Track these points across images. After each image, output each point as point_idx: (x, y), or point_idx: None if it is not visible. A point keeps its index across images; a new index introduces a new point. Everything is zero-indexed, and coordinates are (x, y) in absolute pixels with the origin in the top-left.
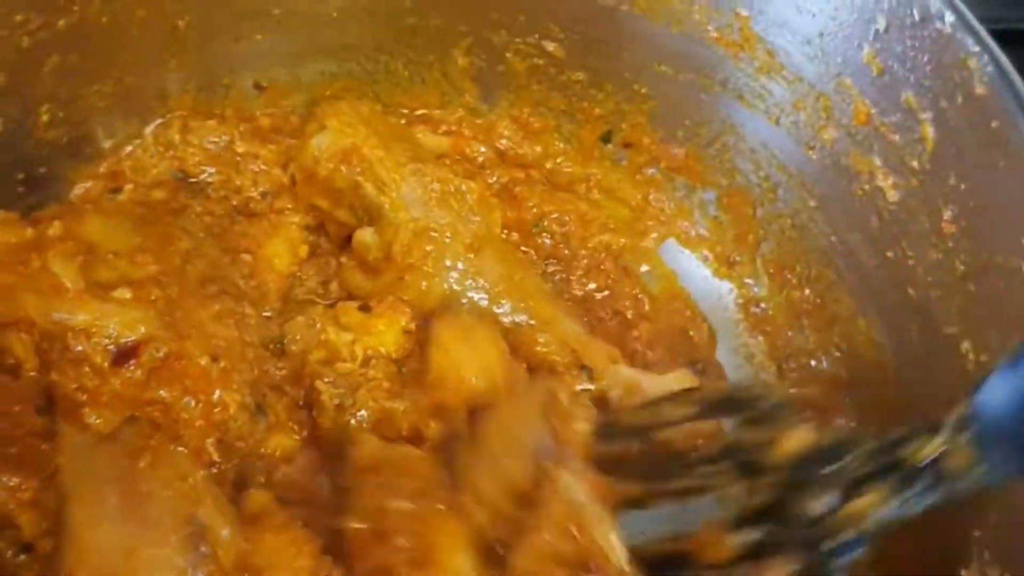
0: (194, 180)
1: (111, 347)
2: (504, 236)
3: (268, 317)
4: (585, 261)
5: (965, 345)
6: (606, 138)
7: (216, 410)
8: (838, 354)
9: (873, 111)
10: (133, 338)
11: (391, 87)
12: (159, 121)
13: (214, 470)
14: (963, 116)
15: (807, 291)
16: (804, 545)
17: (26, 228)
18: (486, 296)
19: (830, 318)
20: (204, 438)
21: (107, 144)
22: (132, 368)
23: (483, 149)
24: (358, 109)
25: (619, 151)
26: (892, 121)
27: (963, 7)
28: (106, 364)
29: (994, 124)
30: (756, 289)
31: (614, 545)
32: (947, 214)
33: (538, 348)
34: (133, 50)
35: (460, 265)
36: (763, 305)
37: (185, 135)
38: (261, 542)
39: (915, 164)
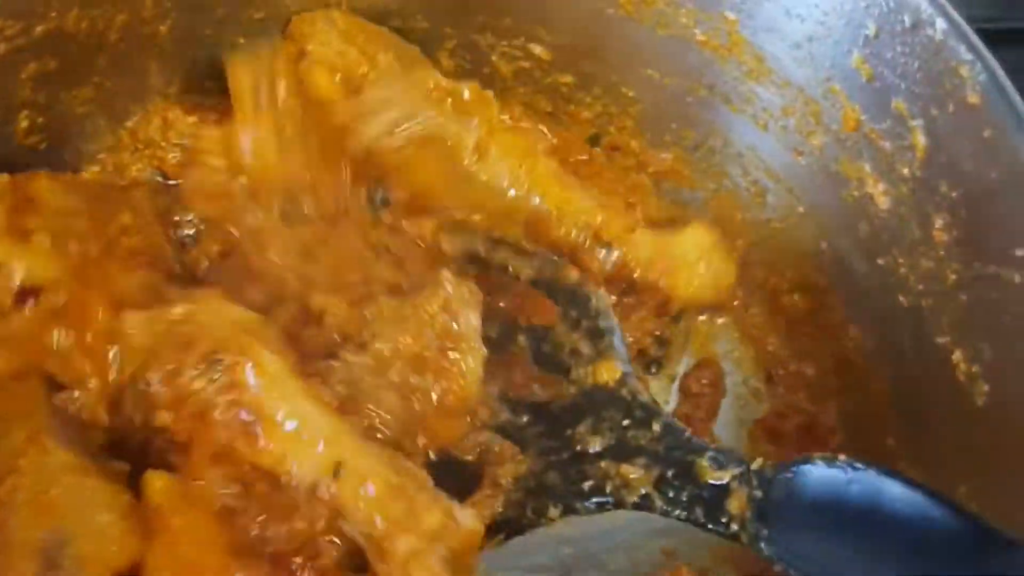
0: (173, 183)
1: (15, 286)
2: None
3: None
4: None
5: (956, 355)
6: (593, 141)
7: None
8: (829, 362)
9: (863, 117)
10: (40, 281)
11: None
12: (137, 117)
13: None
14: (955, 124)
15: (797, 297)
16: (561, 469)
17: None
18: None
19: (821, 325)
20: (98, 399)
21: (87, 148)
22: (32, 309)
23: None
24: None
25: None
26: (882, 128)
27: (955, 14)
28: (9, 302)
29: (986, 133)
30: (746, 296)
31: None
32: (939, 222)
33: (558, 233)
34: (113, 55)
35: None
36: (752, 311)
37: (165, 132)
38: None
39: (906, 171)
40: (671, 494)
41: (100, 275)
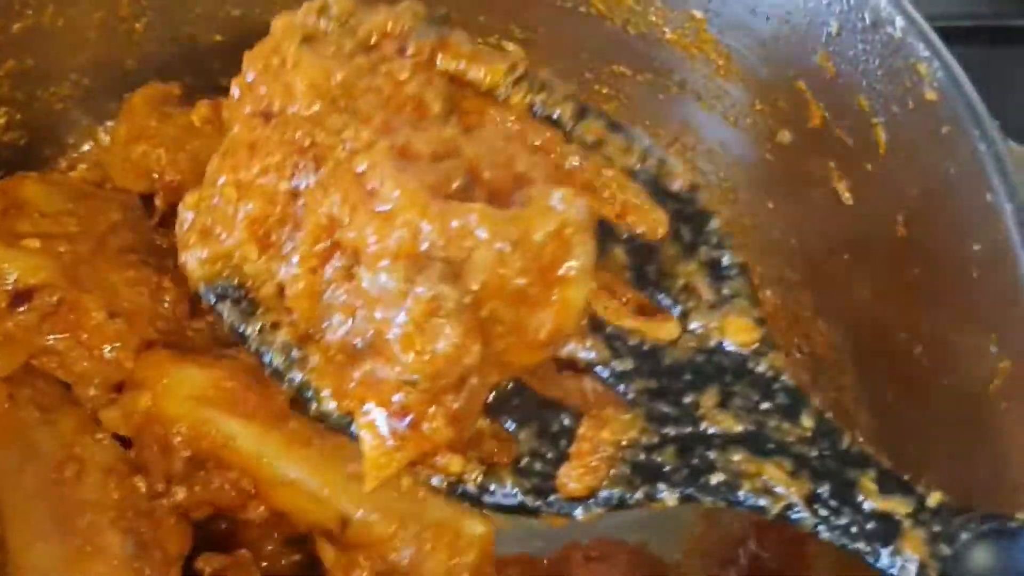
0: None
1: (9, 289)
2: None
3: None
4: None
5: (918, 350)
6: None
7: (110, 367)
8: (799, 356)
9: (827, 114)
10: (32, 283)
11: None
12: (115, 121)
13: None
14: (914, 121)
15: (768, 292)
16: (681, 449)
17: None
18: None
19: (792, 319)
20: (100, 399)
21: (67, 142)
22: (25, 311)
23: None
24: None
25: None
26: (846, 124)
27: (914, 12)
28: (3, 305)
29: (944, 130)
30: None
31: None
32: (900, 217)
33: None
34: (90, 52)
35: None
36: None
37: None
38: None
39: (869, 167)
40: (825, 513)
41: (92, 274)
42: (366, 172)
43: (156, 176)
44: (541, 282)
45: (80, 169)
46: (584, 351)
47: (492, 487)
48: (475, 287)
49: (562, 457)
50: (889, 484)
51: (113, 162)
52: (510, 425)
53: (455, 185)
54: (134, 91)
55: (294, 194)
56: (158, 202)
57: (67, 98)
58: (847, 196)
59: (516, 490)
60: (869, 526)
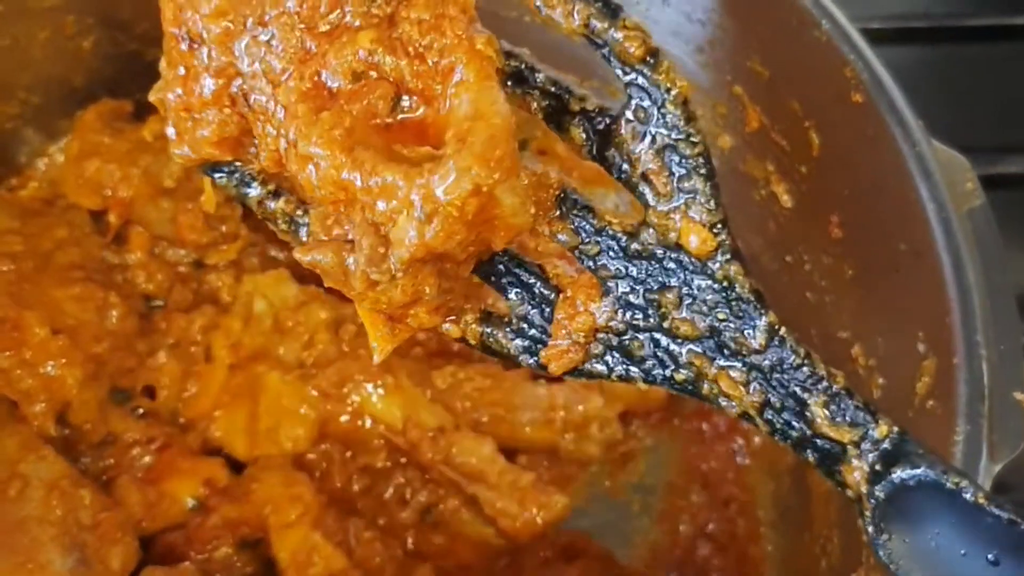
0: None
1: None
2: None
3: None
4: None
5: (855, 349)
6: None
7: (55, 384)
8: None
9: (764, 118)
10: None
11: None
12: (67, 139)
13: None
14: (842, 123)
15: None
16: (647, 341)
17: None
18: None
19: None
20: (48, 415)
21: (19, 160)
22: None
23: None
24: None
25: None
26: (781, 128)
27: (840, 15)
28: None
29: (870, 131)
30: None
31: None
32: (835, 219)
33: None
34: (37, 71)
35: None
36: None
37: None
38: None
39: (804, 170)
40: (778, 425)
41: (35, 292)
42: (284, 120)
43: (109, 192)
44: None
45: (31, 187)
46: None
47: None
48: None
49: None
50: (838, 407)
51: (66, 179)
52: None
53: (381, 112)
54: (85, 108)
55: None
56: (111, 218)
57: (16, 117)
58: (786, 198)
59: (512, 345)
60: (819, 443)
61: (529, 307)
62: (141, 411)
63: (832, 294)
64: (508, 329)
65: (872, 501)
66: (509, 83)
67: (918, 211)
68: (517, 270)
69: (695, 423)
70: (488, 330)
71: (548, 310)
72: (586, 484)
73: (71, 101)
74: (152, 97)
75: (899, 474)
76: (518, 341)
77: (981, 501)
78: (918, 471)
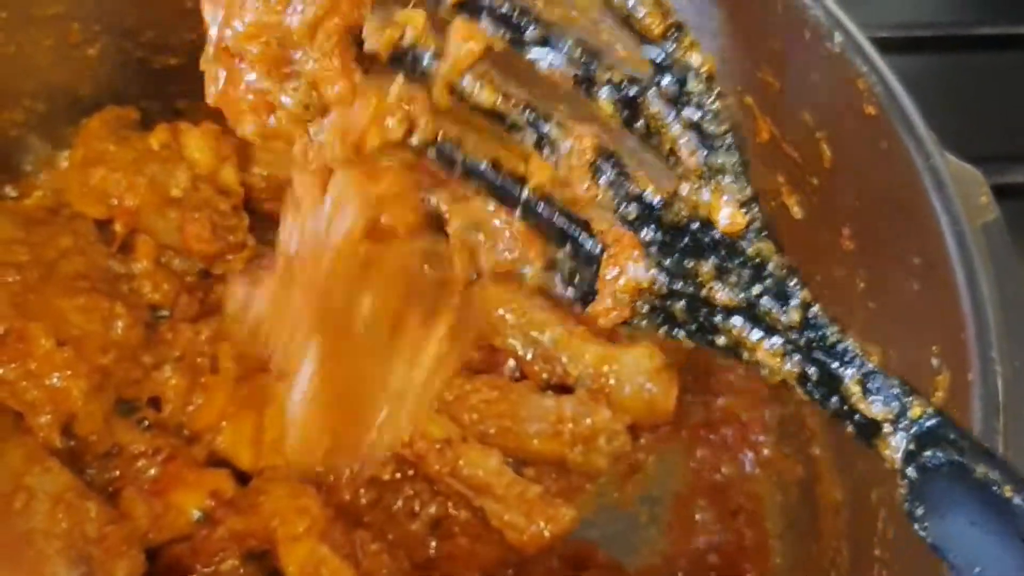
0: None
1: None
2: None
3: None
4: None
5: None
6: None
7: (61, 396)
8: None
9: (775, 129)
10: None
11: None
12: (72, 147)
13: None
14: (855, 135)
15: None
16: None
17: None
18: None
19: None
20: (53, 427)
21: (23, 169)
22: None
23: None
24: None
25: None
26: (792, 139)
27: (852, 27)
28: None
29: (883, 145)
30: None
31: None
32: (846, 231)
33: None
34: (42, 78)
35: None
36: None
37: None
38: None
39: (815, 182)
40: (816, 396)
41: (40, 303)
42: None
43: (115, 201)
44: None
45: (36, 196)
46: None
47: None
48: None
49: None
50: (873, 385)
51: (71, 187)
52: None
53: None
54: (91, 116)
55: None
56: (118, 227)
57: (21, 124)
58: (796, 210)
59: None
60: (856, 417)
61: (577, 262)
62: (147, 422)
63: (843, 306)
64: (560, 279)
65: (906, 480)
66: (535, 48)
67: (932, 224)
68: (565, 225)
69: (703, 434)
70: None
71: (595, 267)
72: (594, 495)
73: (76, 109)
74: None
75: (929, 457)
76: (571, 290)
77: (1008, 495)
78: (948, 455)
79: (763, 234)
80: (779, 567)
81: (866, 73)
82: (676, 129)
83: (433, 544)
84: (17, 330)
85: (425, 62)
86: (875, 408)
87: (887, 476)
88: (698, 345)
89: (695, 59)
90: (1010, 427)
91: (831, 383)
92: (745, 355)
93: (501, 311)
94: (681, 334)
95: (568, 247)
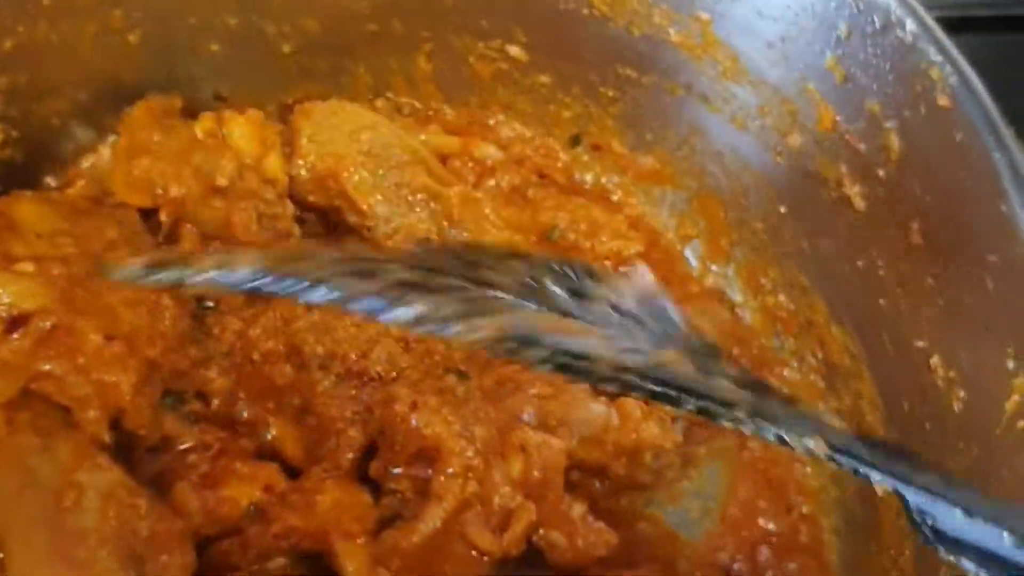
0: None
1: (3, 315)
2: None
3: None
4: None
5: (934, 360)
6: (575, 141)
7: (109, 391)
8: (814, 361)
9: (838, 118)
10: (26, 308)
11: (354, 93)
12: (116, 136)
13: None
14: (927, 127)
15: (782, 297)
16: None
17: None
18: None
19: (805, 324)
20: (102, 421)
21: (66, 158)
22: (20, 337)
23: (493, 151)
24: (337, 114)
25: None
26: (857, 129)
27: (925, 15)
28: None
29: (958, 136)
30: (732, 295)
31: None
32: (914, 225)
33: None
34: (85, 67)
35: None
36: (739, 311)
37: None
38: None
39: (881, 173)
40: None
41: (88, 297)
42: None
43: (160, 191)
44: None
45: (79, 185)
46: None
47: None
48: None
49: None
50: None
51: (116, 177)
52: None
53: None
54: (134, 104)
55: None
56: (163, 217)
57: (64, 113)
58: (859, 202)
59: None
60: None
61: None
62: (195, 415)
63: (908, 301)
64: None
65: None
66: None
67: (1010, 222)
68: None
69: None
70: None
71: None
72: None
73: (119, 97)
74: None
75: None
76: None
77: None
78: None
79: None
80: (835, 564)
81: (940, 63)
82: None
83: None
84: (65, 325)
85: None
86: None
87: (956, 474)
88: None
89: None
90: None
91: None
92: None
93: None
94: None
95: None
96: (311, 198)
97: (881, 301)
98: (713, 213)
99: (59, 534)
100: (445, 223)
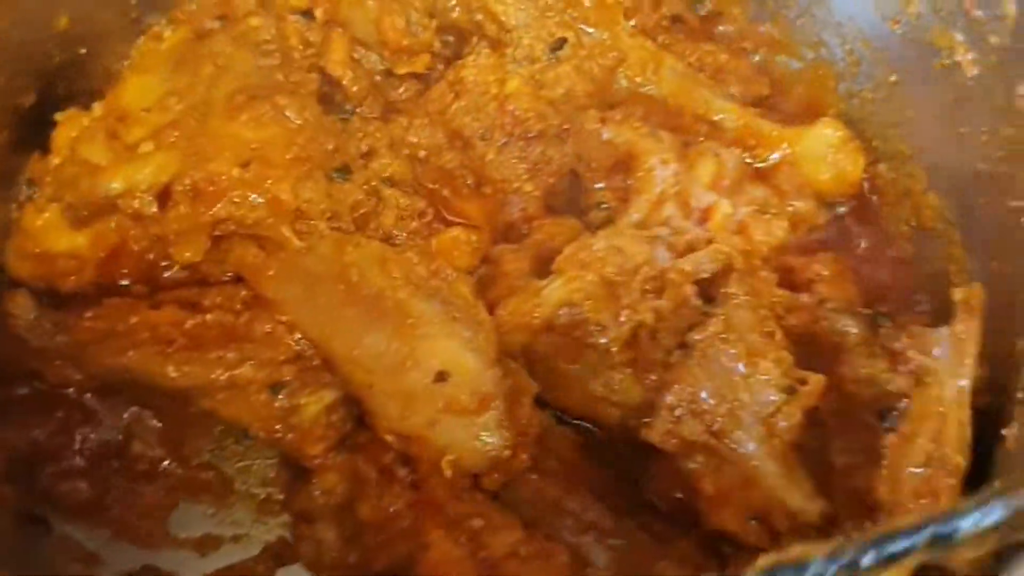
0: None
1: (150, 197)
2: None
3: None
4: None
5: None
6: (699, 5)
7: (276, 204)
8: (906, 228)
9: None
10: (163, 181)
11: None
12: None
13: None
14: None
15: (882, 167)
16: None
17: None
18: None
19: (902, 192)
20: (288, 227)
21: None
22: (173, 205)
23: None
24: None
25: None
26: None
27: None
28: (157, 211)
29: None
30: None
31: None
32: (1021, 89)
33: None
34: None
35: None
36: None
37: None
38: None
39: (995, 40)
40: None
41: (210, 140)
42: None
43: None
44: None
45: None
46: None
47: None
48: None
49: None
50: None
51: None
52: None
53: None
54: None
55: None
56: (318, 14)
57: None
58: (971, 69)
59: None
60: None
61: None
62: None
63: (1008, 164)
64: None
65: None
66: None
67: None
68: None
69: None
70: None
71: None
72: None
73: None
74: None
75: None
76: None
77: None
78: None
79: None
80: None
81: None
82: None
83: None
84: (202, 177)
85: None
86: None
87: None
88: None
89: None
90: None
91: None
92: None
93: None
94: None
95: None
96: (453, 14)
97: (980, 165)
98: (825, 83)
99: (364, 303)
100: (581, 26)
